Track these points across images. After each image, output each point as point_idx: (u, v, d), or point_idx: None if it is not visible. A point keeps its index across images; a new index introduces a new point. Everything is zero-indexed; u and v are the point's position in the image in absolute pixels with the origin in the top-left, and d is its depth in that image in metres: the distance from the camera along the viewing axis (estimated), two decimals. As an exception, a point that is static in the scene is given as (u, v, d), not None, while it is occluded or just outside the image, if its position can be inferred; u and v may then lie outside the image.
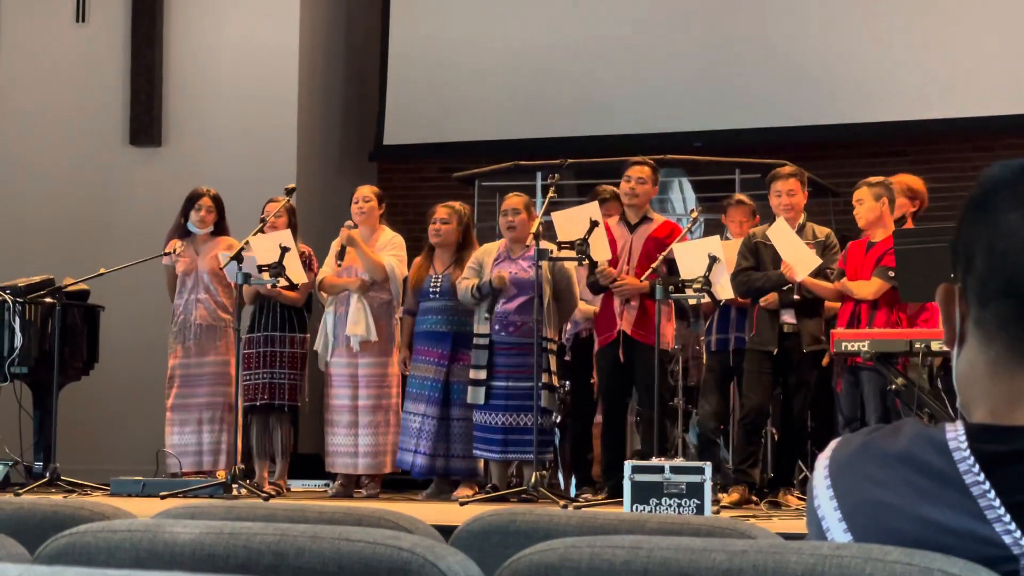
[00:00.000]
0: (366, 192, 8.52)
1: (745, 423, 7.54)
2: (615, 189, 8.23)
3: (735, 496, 7.33)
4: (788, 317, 7.43)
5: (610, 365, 7.78)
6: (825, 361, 7.32)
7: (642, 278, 7.57)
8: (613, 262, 7.72)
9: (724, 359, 7.82)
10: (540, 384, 7.67)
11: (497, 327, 7.88)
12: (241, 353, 8.11)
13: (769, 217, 7.71)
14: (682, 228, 7.86)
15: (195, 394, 8.53)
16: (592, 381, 8.17)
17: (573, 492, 8.22)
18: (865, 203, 7.26)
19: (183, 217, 8.67)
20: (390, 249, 8.34)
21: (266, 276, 7.87)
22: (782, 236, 7.38)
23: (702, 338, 8.26)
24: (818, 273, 7.37)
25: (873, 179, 7.38)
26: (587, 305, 8.16)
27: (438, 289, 8.13)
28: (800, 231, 7.51)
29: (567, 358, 8.34)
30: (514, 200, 8.10)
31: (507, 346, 7.86)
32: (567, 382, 8.29)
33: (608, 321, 7.80)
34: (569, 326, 8.35)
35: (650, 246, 7.73)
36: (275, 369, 8.34)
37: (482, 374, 7.88)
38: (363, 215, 8.35)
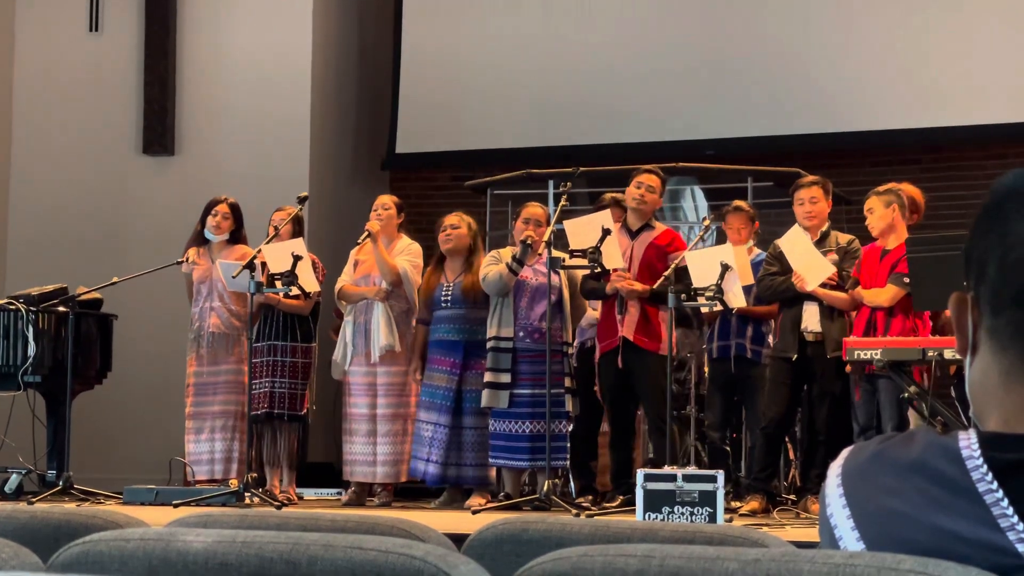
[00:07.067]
0: (385, 200, 8.54)
1: (766, 433, 7.52)
2: (616, 195, 8.26)
3: (754, 505, 7.31)
4: (811, 325, 7.39)
5: (612, 372, 7.78)
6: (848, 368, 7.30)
7: (655, 286, 7.56)
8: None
9: (726, 367, 7.83)
10: (564, 388, 7.68)
11: (521, 333, 7.88)
12: (251, 362, 8.14)
13: (786, 225, 7.70)
14: (683, 237, 7.87)
15: (209, 402, 8.55)
16: (595, 389, 8.17)
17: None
18: (876, 211, 7.25)
19: (201, 224, 8.72)
20: (406, 255, 8.34)
21: (279, 285, 7.88)
22: (794, 245, 7.37)
23: (704, 346, 8.25)
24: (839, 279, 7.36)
25: (882, 187, 7.37)
26: (592, 311, 8.16)
27: (449, 297, 8.13)
28: (824, 238, 7.50)
29: (574, 365, 8.35)
30: (538, 211, 8.09)
31: (532, 353, 7.85)
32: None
33: (610, 328, 7.80)
34: (576, 336, 8.35)
35: (651, 254, 7.75)
36: (276, 378, 8.35)
37: (505, 377, 7.85)
38: (381, 224, 8.35)
